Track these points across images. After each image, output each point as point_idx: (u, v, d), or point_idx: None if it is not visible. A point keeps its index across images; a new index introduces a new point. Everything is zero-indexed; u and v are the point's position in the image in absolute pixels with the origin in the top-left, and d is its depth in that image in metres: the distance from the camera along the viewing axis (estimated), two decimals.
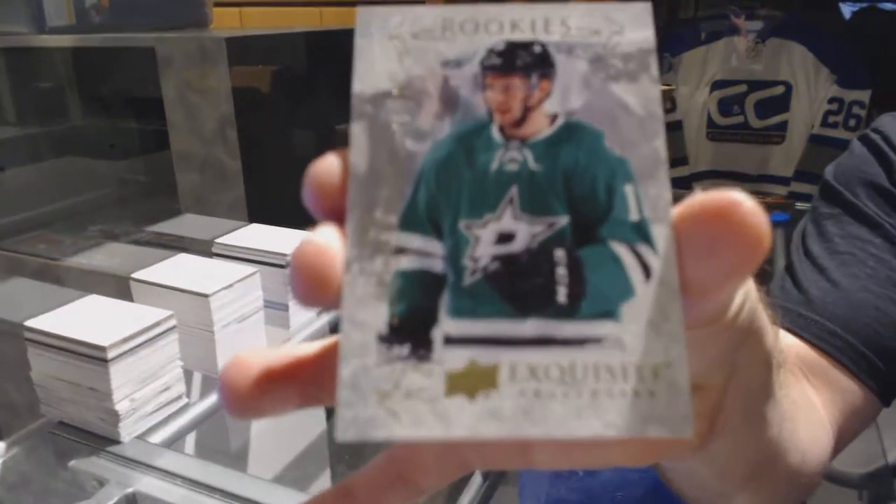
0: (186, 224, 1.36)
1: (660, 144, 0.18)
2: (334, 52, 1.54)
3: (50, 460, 0.70)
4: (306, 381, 0.19)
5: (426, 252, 0.18)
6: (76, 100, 1.75)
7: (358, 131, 0.19)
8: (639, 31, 0.19)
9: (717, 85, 1.95)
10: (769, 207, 1.43)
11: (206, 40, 1.24)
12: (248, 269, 0.85)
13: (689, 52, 1.97)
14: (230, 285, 0.81)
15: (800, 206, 1.44)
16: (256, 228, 0.98)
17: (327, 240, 0.17)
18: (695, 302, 0.18)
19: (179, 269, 0.85)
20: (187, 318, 0.80)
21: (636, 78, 0.19)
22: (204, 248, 0.95)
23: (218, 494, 0.63)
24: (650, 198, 0.18)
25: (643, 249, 0.18)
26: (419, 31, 0.20)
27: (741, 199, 0.17)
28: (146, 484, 0.65)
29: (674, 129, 1.99)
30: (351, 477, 0.22)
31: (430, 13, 0.20)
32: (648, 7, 0.20)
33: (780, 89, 1.90)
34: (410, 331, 0.17)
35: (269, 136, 1.36)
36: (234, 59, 1.23)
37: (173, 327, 0.75)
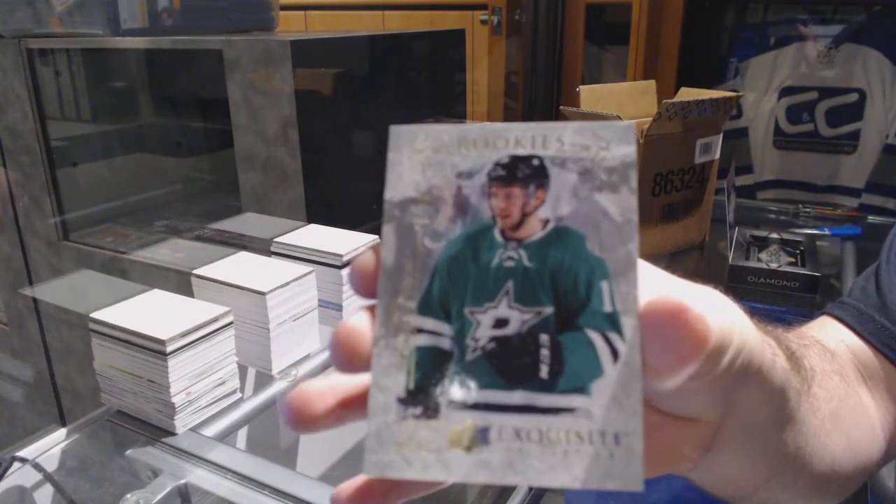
0: (247, 222, 1.39)
1: (633, 247, 0.22)
2: (396, 55, 1.55)
3: (108, 448, 0.72)
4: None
5: (438, 332, 0.22)
6: (147, 99, 1.81)
7: (387, 231, 0.23)
8: (623, 147, 0.23)
9: (785, 91, 1.88)
10: (839, 220, 1.37)
11: (272, 43, 1.26)
12: (305, 268, 0.86)
13: (757, 58, 1.90)
14: (286, 284, 0.82)
15: (872, 219, 1.37)
16: (314, 229, 1.00)
17: (359, 323, 0.22)
18: (655, 381, 0.21)
19: (239, 267, 0.87)
20: (244, 314, 0.82)
21: (617, 189, 0.22)
22: (263, 247, 0.97)
23: (267, 490, 0.64)
24: (622, 293, 0.21)
25: (613, 337, 0.21)
26: (439, 147, 0.23)
27: (690, 306, 0.20)
28: (198, 476, 0.66)
29: (739, 137, 1.93)
30: None
31: (448, 131, 0.23)
32: (632, 125, 0.23)
33: (853, 97, 1.82)
34: (423, 396, 0.22)
35: (330, 138, 1.37)
36: (298, 61, 1.25)
37: (230, 323, 0.76)
